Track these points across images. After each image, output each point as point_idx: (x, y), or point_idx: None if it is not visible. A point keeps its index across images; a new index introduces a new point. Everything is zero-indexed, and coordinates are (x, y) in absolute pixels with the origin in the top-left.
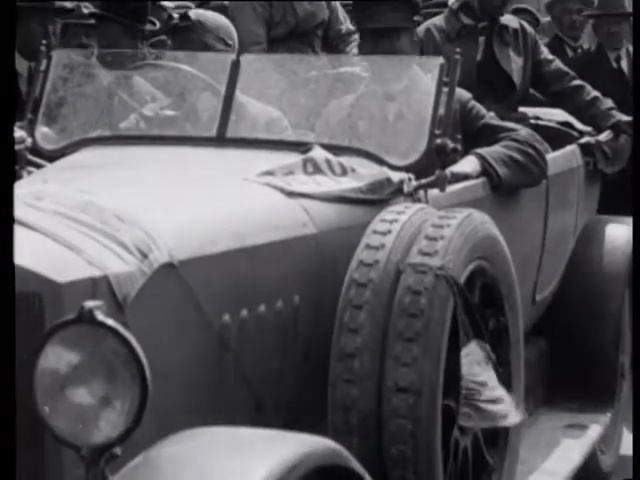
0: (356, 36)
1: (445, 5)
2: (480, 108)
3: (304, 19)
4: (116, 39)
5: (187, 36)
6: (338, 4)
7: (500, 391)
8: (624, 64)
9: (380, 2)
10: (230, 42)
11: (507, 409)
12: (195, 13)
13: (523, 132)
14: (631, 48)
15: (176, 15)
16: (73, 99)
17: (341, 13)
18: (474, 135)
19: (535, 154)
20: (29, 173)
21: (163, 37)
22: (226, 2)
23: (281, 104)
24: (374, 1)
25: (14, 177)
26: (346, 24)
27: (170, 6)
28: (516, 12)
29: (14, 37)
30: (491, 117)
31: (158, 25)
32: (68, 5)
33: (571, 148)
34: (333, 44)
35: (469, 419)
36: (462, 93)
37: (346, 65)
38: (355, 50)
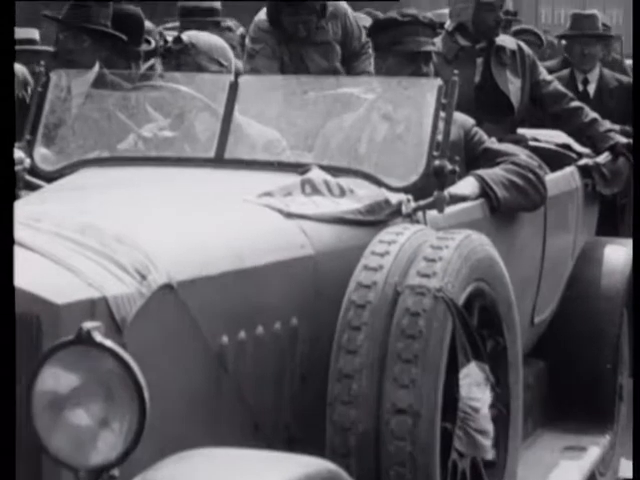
0: (369, 50)
1: (441, 27)
2: (482, 134)
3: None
4: (111, 59)
5: (181, 58)
6: (353, 19)
7: (488, 424)
8: (591, 88)
9: (409, 25)
10: (225, 63)
11: (489, 444)
12: (188, 35)
13: (523, 157)
14: (605, 72)
15: (169, 38)
16: (71, 120)
17: (356, 27)
18: (475, 159)
19: (535, 179)
20: (27, 194)
21: (153, 61)
22: (217, 3)
23: (279, 125)
24: (404, 24)
25: (14, 199)
26: (361, 37)
27: (153, 28)
28: (520, 33)
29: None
30: (492, 142)
31: (154, 44)
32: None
33: (569, 170)
34: (347, 62)
35: (460, 443)
36: (466, 119)
37: (344, 86)
38: (367, 65)
